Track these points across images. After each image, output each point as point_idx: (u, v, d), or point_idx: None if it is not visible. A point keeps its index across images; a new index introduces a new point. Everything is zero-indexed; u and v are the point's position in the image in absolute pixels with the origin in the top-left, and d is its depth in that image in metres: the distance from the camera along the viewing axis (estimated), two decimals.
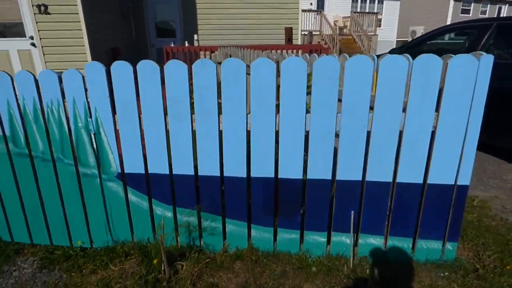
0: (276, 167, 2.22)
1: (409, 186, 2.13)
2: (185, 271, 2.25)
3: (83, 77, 2.15)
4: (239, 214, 2.38)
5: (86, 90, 2.19)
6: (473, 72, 1.87)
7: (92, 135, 2.30)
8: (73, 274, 2.35)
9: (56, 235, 2.61)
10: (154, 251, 2.28)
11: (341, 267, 2.23)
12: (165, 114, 2.18)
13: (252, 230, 2.42)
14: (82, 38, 6.04)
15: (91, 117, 2.24)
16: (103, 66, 2.13)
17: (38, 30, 5.98)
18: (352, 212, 2.18)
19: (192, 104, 2.14)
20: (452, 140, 2.01)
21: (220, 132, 2.18)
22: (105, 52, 7.10)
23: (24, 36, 6.05)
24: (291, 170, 2.21)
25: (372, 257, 2.32)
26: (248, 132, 2.16)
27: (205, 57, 6.82)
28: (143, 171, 2.35)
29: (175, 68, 2.07)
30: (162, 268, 2.24)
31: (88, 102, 2.22)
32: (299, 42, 10.13)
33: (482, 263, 2.26)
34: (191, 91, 2.12)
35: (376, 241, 2.29)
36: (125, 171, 2.36)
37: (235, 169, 2.25)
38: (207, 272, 2.27)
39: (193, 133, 2.21)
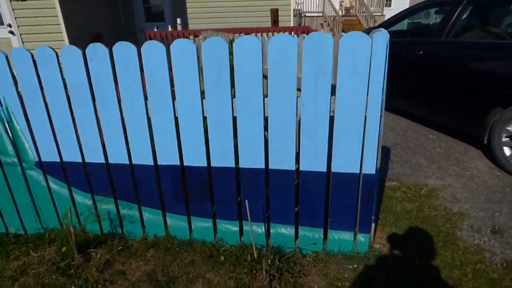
0: (180, 155, 2.17)
1: (313, 175, 2.02)
2: (97, 258, 2.27)
3: None
4: (153, 203, 2.36)
5: None
6: (366, 51, 1.72)
7: (6, 124, 2.32)
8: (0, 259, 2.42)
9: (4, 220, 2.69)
10: (64, 239, 2.30)
11: (247, 256, 2.17)
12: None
13: (167, 218, 2.40)
14: (59, 24, 6.09)
15: (1, 105, 2.25)
16: (3, 53, 2.12)
17: (15, 18, 6.07)
18: (247, 201, 2.10)
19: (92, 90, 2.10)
20: (351, 126, 1.87)
21: (123, 119, 2.14)
22: (85, 37, 7.14)
23: (2, 24, 6.15)
24: (194, 158, 2.14)
25: (283, 247, 2.25)
26: (149, 119, 2.10)
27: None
28: (58, 159, 2.35)
29: (70, 53, 2.02)
30: (76, 254, 2.26)
31: None
32: (292, 24, 9.81)
33: (399, 256, 2.14)
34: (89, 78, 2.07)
35: (287, 231, 2.22)
36: (42, 160, 2.38)
37: (142, 157, 2.21)
38: (119, 260, 2.28)
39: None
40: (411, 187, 3.03)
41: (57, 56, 2.06)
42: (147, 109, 2.08)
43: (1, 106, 2.26)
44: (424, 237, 2.34)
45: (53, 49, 2.06)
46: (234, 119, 1.99)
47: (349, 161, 1.95)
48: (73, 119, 2.22)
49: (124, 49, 1.95)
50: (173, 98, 2.02)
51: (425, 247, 2.24)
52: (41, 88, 2.15)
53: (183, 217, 2.36)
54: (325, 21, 13.69)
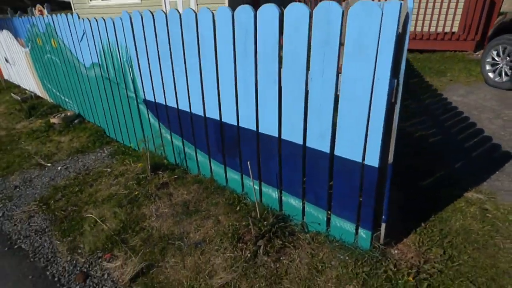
0: (220, 112, 2.49)
1: (318, 153, 1.94)
2: (160, 178, 2.99)
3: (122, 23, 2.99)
4: (204, 148, 2.82)
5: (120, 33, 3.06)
6: (374, 25, 1.47)
7: (129, 68, 3.21)
8: (115, 162, 3.51)
9: (125, 138, 3.85)
10: (149, 159, 3.08)
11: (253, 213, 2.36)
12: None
13: (212, 164, 2.83)
14: None
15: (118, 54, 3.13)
16: (127, 14, 2.89)
17: None
18: (249, 162, 2.22)
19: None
20: (355, 110, 1.68)
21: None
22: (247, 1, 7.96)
23: None
24: (228, 116, 2.42)
25: (291, 218, 2.31)
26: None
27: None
28: (153, 100, 3.11)
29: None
30: (149, 172, 3.05)
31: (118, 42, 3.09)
32: None
33: (403, 273, 1.85)
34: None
35: (295, 202, 2.25)
36: (146, 98, 3.20)
37: (197, 108, 2.66)
38: (173, 184, 2.92)
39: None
40: (501, 208, 2.33)
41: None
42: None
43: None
44: (460, 270, 1.89)
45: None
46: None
47: (351, 148, 1.78)
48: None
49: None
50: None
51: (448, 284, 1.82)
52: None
53: (221, 166, 2.74)
54: None
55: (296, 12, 1.71)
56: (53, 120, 4.68)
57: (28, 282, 2.10)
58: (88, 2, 9.40)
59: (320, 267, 1.94)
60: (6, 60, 7.02)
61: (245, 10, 1.92)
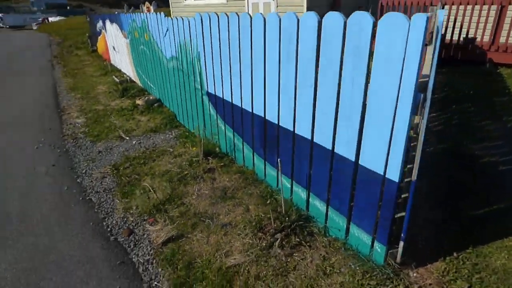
0: (265, 109, 2.65)
1: (343, 160, 1.97)
2: (208, 163, 3.30)
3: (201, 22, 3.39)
4: (249, 141, 3.03)
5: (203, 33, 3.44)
6: (401, 37, 1.46)
7: (197, 62, 3.60)
8: (178, 144, 3.97)
9: (190, 124, 4.31)
10: (203, 145, 3.43)
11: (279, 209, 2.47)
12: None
13: (255, 157, 3.02)
14: None
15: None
16: (199, 15, 3.26)
17: None
18: (279, 159, 2.30)
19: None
20: (380, 120, 1.67)
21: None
22: (323, 4, 7.92)
23: None
24: (271, 114, 2.57)
25: (315, 220, 2.36)
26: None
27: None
28: (213, 92, 3.44)
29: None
30: (201, 157, 3.39)
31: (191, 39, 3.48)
32: None
33: None
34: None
35: (320, 205, 2.29)
36: (208, 90, 3.55)
37: (247, 104, 2.88)
38: (218, 171, 3.21)
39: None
40: None
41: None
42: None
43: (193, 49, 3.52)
44: None
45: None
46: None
47: (374, 159, 1.77)
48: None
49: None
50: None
51: None
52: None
53: (262, 160, 2.90)
54: None
55: (331, 20, 1.78)
56: (138, 101, 5.45)
57: (89, 227, 2.59)
58: (183, 1, 10.45)
59: (328, 271, 1.98)
60: (114, 48, 8.31)
61: (289, 17, 2.05)
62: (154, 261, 2.23)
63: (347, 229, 2.13)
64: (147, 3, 14.93)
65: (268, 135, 2.70)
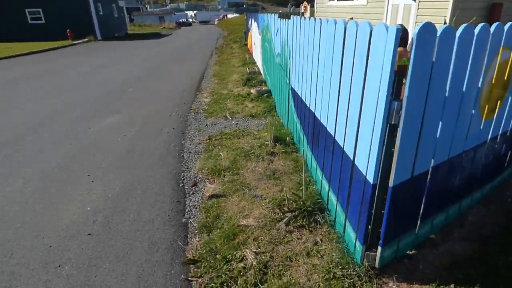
0: (315, 106, 2.91)
1: (347, 158, 2.08)
2: (274, 148, 3.77)
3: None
4: (306, 133, 3.33)
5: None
6: (381, 46, 1.54)
7: (289, 60, 4.07)
8: (263, 129, 4.58)
9: (280, 113, 4.84)
10: (276, 133, 3.92)
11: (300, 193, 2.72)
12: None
13: (308, 148, 3.30)
14: None
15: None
16: (294, 18, 3.70)
17: None
18: (303, 150, 2.49)
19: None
20: (366, 124, 1.76)
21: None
22: (478, 8, 6.69)
23: None
24: (318, 112, 2.82)
25: (327, 211, 2.53)
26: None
27: None
28: (295, 88, 3.85)
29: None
30: (270, 142, 3.90)
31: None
32: None
33: None
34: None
35: (333, 200, 2.44)
36: (291, 86, 3.99)
37: (307, 99, 3.19)
38: (278, 155, 3.64)
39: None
40: None
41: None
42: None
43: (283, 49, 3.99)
44: None
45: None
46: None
47: (362, 160, 1.86)
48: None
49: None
50: None
51: None
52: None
53: (311, 153, 3.17)
54: None
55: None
56: (252, 90, 6.33)
57: (172, 174, 3.53)
58: (327, 2, 10.79)
59: (311, 253, 2.19)
60: (254, 44, 9.58)
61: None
62: (198, 207, 2.93)
63: (345, 224, 2.24)
64: (305, 2, 15.97)
65: (315, 129, 2.95)
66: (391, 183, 1.73)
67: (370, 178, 1.78)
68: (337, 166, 2.34)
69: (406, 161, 1.72)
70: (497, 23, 1.89)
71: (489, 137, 2.33)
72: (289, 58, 3.97)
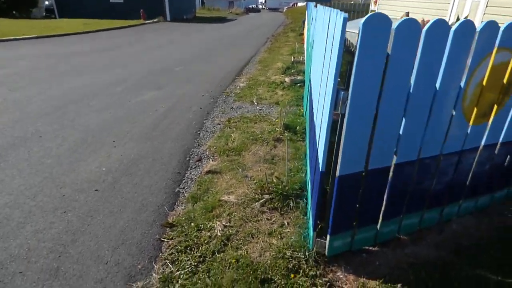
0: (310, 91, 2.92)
1: (315, 142, 2.12)
2: (281, 134, 3.84)
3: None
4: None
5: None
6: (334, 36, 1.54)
7: (312, 50, 4.04)
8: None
9: (304, 104, 4.84)
10: (280, 122, 3.97)
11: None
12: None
13: (307, 138, 3.31)
14: None
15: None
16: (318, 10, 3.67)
17: None
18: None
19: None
20: (325, 114, 1.77)
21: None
22: None
23: None
24: (315, 101, 2.83)
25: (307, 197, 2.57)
26: None
27: None
28: (311, 78, 3.84)
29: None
30: (279, 129, 3.97)
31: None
32: None
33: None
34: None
35: (310, 186, 2.47)
36: (310, 75, 3.97)
37: (313, 90, 3.19)
38: (283, 142, 3.69)
39: None
40: None
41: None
42: None
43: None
44: None
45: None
46: None
47: (320, 146, 1.89)
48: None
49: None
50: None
51: None
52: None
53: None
54: None
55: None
56: (286, 79, 6.36)
57: (183, 149, 3.81)
58: None
59: (272, 233, 2.28)
60: (306, 34, 9.45)
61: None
62: (194, 180, 3.17)
63: (308, 211, 2.28)
64: None
65: (310, 116, 2.96)
66: (337, 172, 1.74)
67: (320, 166, 1.80)
68: (313, 155, 2.36)
69: (354, 152, 1.71)
70: (489, 20, 1.72)
71: (482, 143, 2.13)
72: (312, 48, 3.95)
